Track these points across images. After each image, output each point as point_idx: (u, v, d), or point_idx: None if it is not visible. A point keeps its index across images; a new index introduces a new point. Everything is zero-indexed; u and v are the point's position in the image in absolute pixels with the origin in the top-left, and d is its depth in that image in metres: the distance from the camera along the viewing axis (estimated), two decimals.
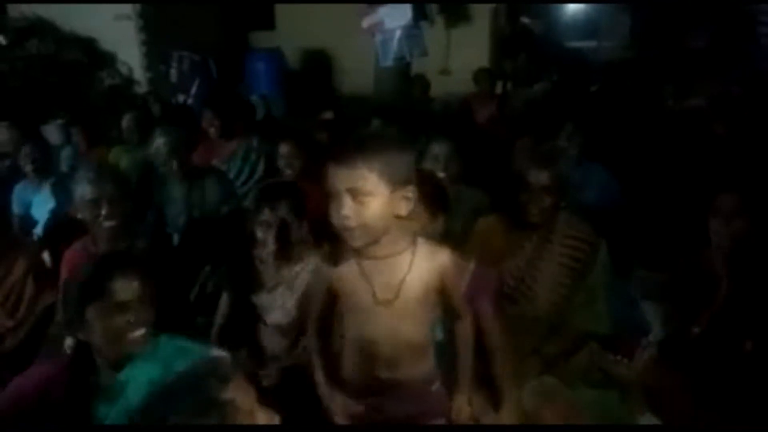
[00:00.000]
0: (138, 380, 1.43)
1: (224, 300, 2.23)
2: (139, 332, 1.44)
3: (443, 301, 1.52)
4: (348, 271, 1.44)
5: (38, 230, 3.35)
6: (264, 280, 2.13)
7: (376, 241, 1.36)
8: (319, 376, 1.63)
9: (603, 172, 3.06)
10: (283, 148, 3.09)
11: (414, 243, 1.43)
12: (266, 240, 2.04)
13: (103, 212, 2.18)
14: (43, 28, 6.46)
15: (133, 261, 1.53)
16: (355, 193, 1.28)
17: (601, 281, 2.01)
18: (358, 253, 1.40)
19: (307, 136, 3.35)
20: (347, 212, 1.29)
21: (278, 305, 2.12)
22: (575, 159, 2.99)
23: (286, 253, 2.07)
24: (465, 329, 1.62)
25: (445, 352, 1.65)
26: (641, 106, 4.03)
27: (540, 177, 1.91)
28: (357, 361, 1.52)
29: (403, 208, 1.33)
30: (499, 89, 5.73)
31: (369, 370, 1.50)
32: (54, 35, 6.47)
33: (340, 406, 1.60)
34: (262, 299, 2.14)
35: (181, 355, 1.48)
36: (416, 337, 1.48)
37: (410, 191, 1.33)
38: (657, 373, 2.00)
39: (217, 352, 1.50)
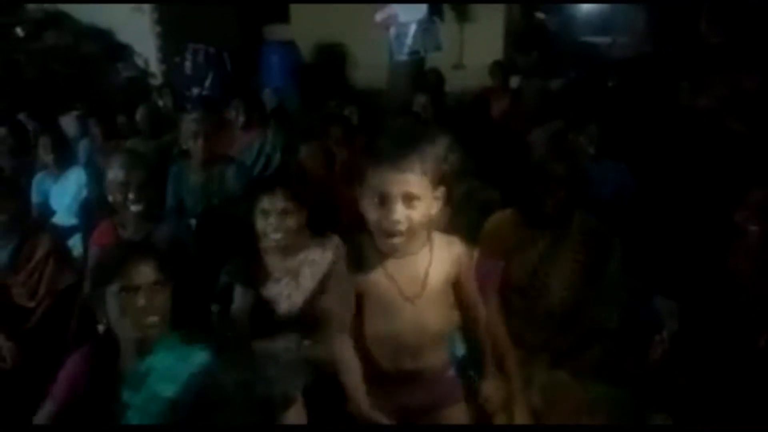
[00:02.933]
0: (160, 369, 1.48)
1: (239, 293, 2.23)
2: (152, 318, 1.48)
3: (457, 289, 1.54)
4: (373, 273, 1.44)
5: (57, 218, 3.40)
6: (270, 271, 2.15)
7: (409, 242, 1.38)
8: (353, 381, 1.54)
9: (620, 169, 3.05)
10: (307, 149, 3.10)
11: (429, 237, 1.45)
12: (266, 229, 2.06)
13: (131, 196, 2.30)
14: (60, 20, 6.53)
15: (149, 248, 1.60)
16: (408, 198, 1.28)
17: (614, 277, 2.01)
18: (381, 254, 1.41)
19: (323, 135, 3.36)
20: (399, 217, 1.29)
21: (285, 296, 2.14)
22: (592, 154, 2.98)
23: (287, 241, 2.09)
24: (482, 316, 1.63)
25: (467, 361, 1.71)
26: (657, 102, 4.00)
27: (557, 169, 1.91)
28: (382, 356, 1.53)
29: (435, 208, 1.35)
30: (514, 84, 5.69)
31: (394, 362, 1.52)
32: (71, 27, 6.54)
33: (369, 413, 1.54)
34: (269, 291, 2.16)
35: (201, 346, 1.53)
36: (438, 327, 1.51)
37: (442, 191, 1.35)
38: (669, 370, 2.00)
39: (230, 354, 1.52)
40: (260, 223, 2.07)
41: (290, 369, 1.14)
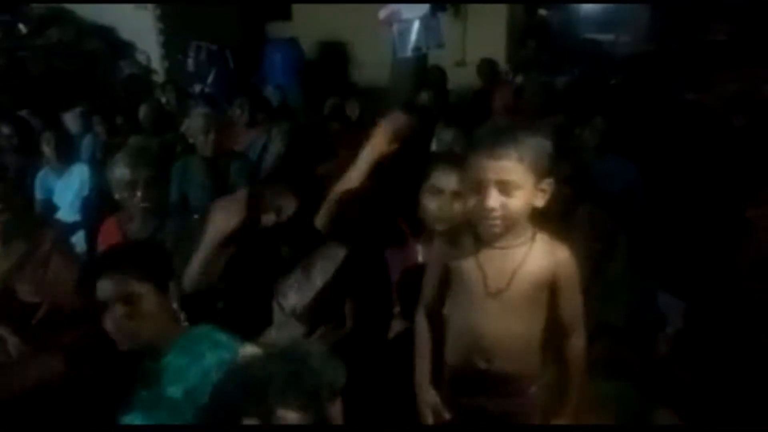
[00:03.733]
0: (170, 371, 1.47)
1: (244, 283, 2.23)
2: (126, 332, 1.45)
3: (554, 303, 1.45)
4: (465, 255, 1.44)
5: (60, 215, 3.41)
6: (281, 263, 2.15)
7: (509, 232, 1.37)
8: (422, 366, 1.58)
9: (627, 165, 3.04)
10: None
11: (533, 236, 1.42)
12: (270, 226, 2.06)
13: (139, 194, 2.29)
14: (63, 17, 6.54)
15: (126, 261, 1.52)
16: (504, 186, 1.29)
17: (620, 274, 2.01)
18: (478, 240, 1.41)
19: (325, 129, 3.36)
20: (494, 204, 1.30)
21: (295, 288, 2.13)
22: (599, 150, 2.97)
23: (295, 237, 2.08)
24: (577, 344, 1.49)
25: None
26: (662, 98, 4.00)
27: (561, 167, 1.90)
28: (458, 351, 1.51)
29: (540, 200, 1.35)
30: (517, 81, 5.69)
31: (469, 360, 1.48)
32: (74, 24, 6.55)
33: (431, 404, 1.57)
34: (279, 282, 2.16)
35: (213, 348, 1.49)
36: (521, 332, 1.45)
37: (548, 183, 1.35)
38: (673, 367, 2.00)
39: (251, 349, 1.49)
40: (265, 220, 2.08)
41: (332, 359, 1.12)
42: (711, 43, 6.11)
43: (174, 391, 1.43)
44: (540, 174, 1.32)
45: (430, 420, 1.57)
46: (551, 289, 1.43)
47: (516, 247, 1.40)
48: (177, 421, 1.39)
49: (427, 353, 1.59)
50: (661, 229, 2.66)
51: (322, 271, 2.10)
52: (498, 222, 1.32)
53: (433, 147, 2.88)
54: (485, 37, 7.15)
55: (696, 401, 1.88)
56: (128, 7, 6.70)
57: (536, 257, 1.40)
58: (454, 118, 3.12)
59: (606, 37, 8.23)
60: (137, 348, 1.49)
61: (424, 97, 4.34)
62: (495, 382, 1.48)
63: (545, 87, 4.41)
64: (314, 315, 2.11)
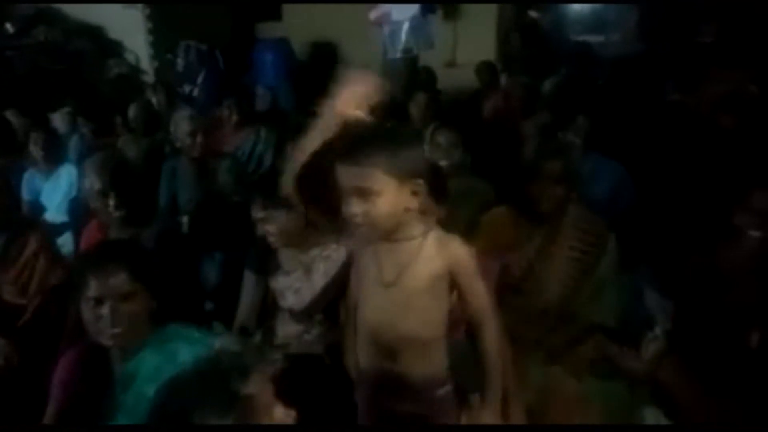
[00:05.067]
0: (146, 370, 1.46)
1: (250, 283, 2.22)
2: (116, 329, 1.44)
3: (459, 294, 1.45)
4: (364, 250, 1.44)
5: (48, 216, 3.38)
6: (281, 263, 2.15)
7: (388, 233, 1.36)
8: (348, 361, 1.64)
9: (616, 167, 3.05)
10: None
11: (427, 232, 1.41)
12: (264, 230, 2.07)
13: (112, 203, 2.23)
14: (50, 16, 6.48)
15: (121, 257, 1.51)
16: (362, 192, 1.27)
17: (609, 273, 2.02)
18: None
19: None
20: (355, 210, 1.28)
21: (293, 289, 2.13)
22: (584, 151, 2.98)
23: (291, 240, 2.08)
24: (488, 335, 1.45)
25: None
26: (650, 100, 4.02)
27: (552, 167, 1.91)
28: (364, 348, 1.51)
29: (413, 202, 1.32)
30: (505, 81, 5.70)
31: (375, 359, 1.48)
32: (62, 24, 6.49)
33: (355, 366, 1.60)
34: (278, 282, 2.15)
35: (186, 344, 1.50)
36: (419, 330, 1.43)
37: (419, 184, 1.32)
38: (663, 366, 2.00)
39: (226, 341, 1.49)
40: (259, 226, 2.09)
41: (247, 367, 1.11)
42: (699, 44, 6.17)
43: (151, 389, 1.42)
44: (404, 176, 1.29)
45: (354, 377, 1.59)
46: (449, 283, 1.42)
47: (408, 241, 1.39)
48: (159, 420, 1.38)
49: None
50: (649, 229, 2.67)
51: (323, 273, 2.09)
52: (364, 227, 1.31)
53: (427, 149, 2.87)
54: (476, 38, 7.17)
55: (686, 399, 1.88)
56: (116, 7, 6.64)
57: (430, 252, 1.39)
58: (447, 120, 3.11)
59: (595, 38, 8.28)
60: (114, 346, 1.48)
61: (418, 98, 4.34)
62: (401, 382, 1.46)
63: (528, 88, 4.43)
64: (311, 315, 2.11)
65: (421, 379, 1.46)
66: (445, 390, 1.50)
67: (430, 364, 1.47)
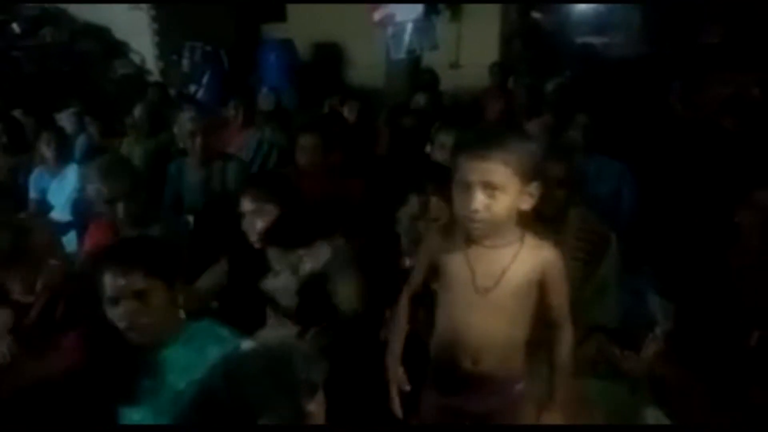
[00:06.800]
0: (175, 362, 1.49)
1: (214, 269, 2.24)
2: (135, 325, 1.45)
3: (543, 302, 1.47)
4: (454, 252, 1.45)
5: (55, 215, 3.40)
6: (270, 264, 2.16)
7: (494, 233, 1.38)
8: (395, 345, 1.62)
9: (620, 168, 3.05)
10: (306, 140, 3.00)
11: (522, 236, 1.42)
12: (248, 230, 2.08)
13: (120, 210, 2.27)
14: (57, 17, 6.52)
15: (134, 256, 1.51)
16: (488, 187, 1.29)
17: (610, 275, 2.03)
18: (468, 238, 1.41)
19: (327, 128, 3.35)
20: (477, 205, 1.30)
21: (284, 290, 2.15)
22: (587, 152, 2.98)
23: (278, 241, 2.09)
24: (564, 340, 1.51)
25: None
26: (654, 101, 4.02)
27: (554, 170, 1.89)
28: (444, 351, 1.52)
29: (526, 203, 1.35)
30: (510, 83, 5.71)
31: (455, 361, 1.49)
32: (68, 24, 6.53)
33: (399, 381, 1.60)
34: (270, 284, 2.17)
35: (215, 342, 1.51)
36: (508, 332, 1.46)
37: (535, 187, 1.34)
38: (664, 366, 2.01)
39: (250, 344, 1.51)
40: (244, 224, 2.10)
41: (312, 357, 1.14)
42: (703, 46, 6.15)
43: (176, 381, 1.46)
44: (526, 177, 1.31)
45: (395, 396, 1.59)
46: (539, 288, 1.44)
47: (504, 247, 1.41)
48: (178, 409, 1.40)
49: (402, 333, 1.63)
50: (651, 230, 2.68)
51: (310, 273, 2.11)
52: (480, 224, 1.33)
53: (431, 150, 2.89)
54: (479, 39, 7.17)
55: (687, 400, 1.89)
56: (122, 8, 6.68)
57: (525, 257, 1.41)
58: (452, 121, 3.12)
59: (599, 39, 8.28)
60: (144, 341, 1.50)
61: (420, 99, 4.35)
62: (480, 382, 1.49)
63: (532, 89, 4.44)
64: (306, 315, 2.12)
65: (501, 378, 1.50)
66: (519, 387, 1.54)
67: (511, 363, 1.50)
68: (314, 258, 2.12)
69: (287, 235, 2.09)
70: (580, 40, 8.11)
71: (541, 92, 4.39)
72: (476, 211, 1.30)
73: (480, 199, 1.30)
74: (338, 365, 1.75)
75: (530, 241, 1.43)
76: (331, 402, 1.60)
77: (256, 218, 2.05)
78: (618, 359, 2.04)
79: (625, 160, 3.07)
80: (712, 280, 2.01)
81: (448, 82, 5.81)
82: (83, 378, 1.56)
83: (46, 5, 6.53)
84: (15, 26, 6.34)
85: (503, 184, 1.29)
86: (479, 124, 4.21)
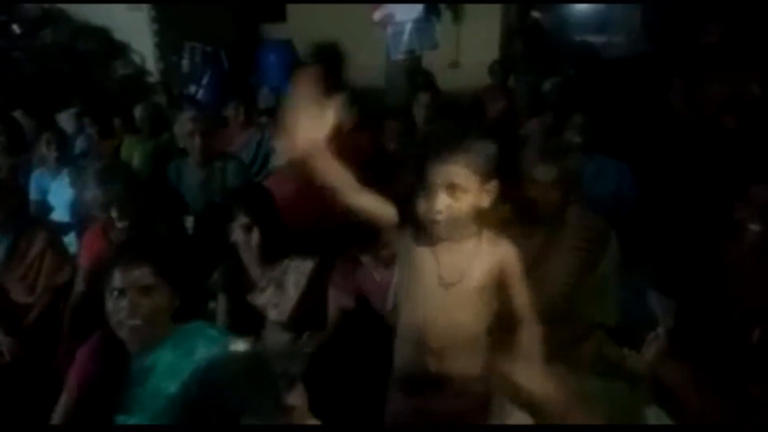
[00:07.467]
0: (163, 365, 1.49)
1: (221, 301, 2.25)
2: (134, 321, 1.47)
3: (505, 296, 1.50)
4: (421, 248, 1.47)
5: (56, 216, 3.40)
6: (255, 280, 2.17)
7: (455, 232, 1.41)
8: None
9: (620, 167, 3.04)
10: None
11: (479, 232, 1.46)
12: (239, 243, 2.10)
13: (115, 215, 2.27)
14: (57, 17, 6.51)
15: (142, 250, 1.56)
16: (451, 188, 1.33)
17: (610, 273, 2.02)
18: (433, 235, 1.43)
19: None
20: (440, 207, 1.34)
21: (272, 304, 2.15)
22: (587, 151, 2.97)
23: (265, 253, 2.11)
24: (528, 334, 1.52)
25: None
26: (654, 100, 4.02)
27: (548, 173, 1.86)
28: (409, 351, 1.53)
29: (486, 202, 1.39)
30: (510, 82, 5.71)
31: (420, 361, 1.50)
32: (68, 25, 6.52)
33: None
34: (257, 300, 2.17)
35: (205, 342, 1.52)
36: (471, 328, 1.48)
37: (494, 185, 1.38)
38: (665, 365, 2.01)
39: (243, 344, 1.51)
40: (233, 237, 2.12)
41: (288, 349, 1.15)
42: (703, 45, 6.14)
43: (168, 385, 1.45)
44: (485, 176, 1.35)
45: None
46: (499, 282, 1.47)
47: (466, 241, 1.44)
48: (172, 414, 1.39)
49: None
50: (651, 228, 2.68)
51: (295, 284, 2.12)
52: (443, 224, 1.36)
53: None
54: (479, 38, 7.17)
55: (688, 399, 1.89)
56: (122, 8, 6.68)
57: (487, 251, 1.45)
58: (450, 120, 3.12)
59: (599, 38, 8.27)
60: (133, 344, 1.49)
61: (422, 98, 4.34)
62: (444, 381, 1.50)
63: (531, 88, 4.43)
64: (297, 323, 2.13)
65: (464, 375, 1.52)
66: (483, 384, 1.55)
67: (474, 362, 1.53)
68: (297, 270, 2.13)
69: (267, 251, 2.11)
70: (580, 38, 8.11)
71: (540, 91, 4.38)
72: (440, 212, 1.34)
73: (443, 199, 1.33)
74: (329, 367, 1.76)
75: (488, 235, 1.47)
76: (324, 403, 1.61)
77: (250, 232, 2.09)
78: (619, 358, 2.04)
79: (625, 159, 3.07)
80: (713, 277, 2.01)
81: (448, 81, 5.80)
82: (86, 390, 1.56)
83: (46, 5, 6.53)
84: (15, 27, 6.34)
85: (465, 185, 1.33)
86: (479, 123, 4.22)
